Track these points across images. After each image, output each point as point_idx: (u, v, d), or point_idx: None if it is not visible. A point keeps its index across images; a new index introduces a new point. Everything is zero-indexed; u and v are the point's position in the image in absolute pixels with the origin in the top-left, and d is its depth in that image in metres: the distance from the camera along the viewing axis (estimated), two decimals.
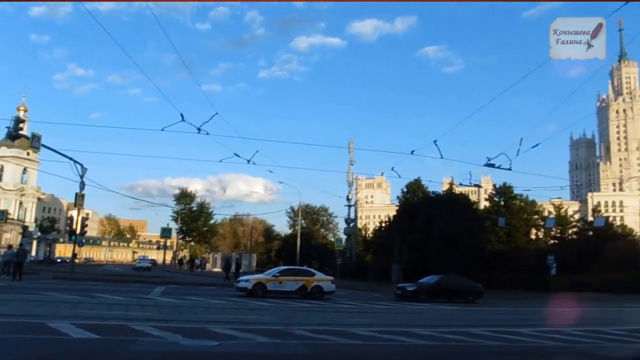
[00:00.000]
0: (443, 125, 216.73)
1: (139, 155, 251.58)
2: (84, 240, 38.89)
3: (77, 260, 47.35)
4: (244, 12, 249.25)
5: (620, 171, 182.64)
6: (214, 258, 74.03)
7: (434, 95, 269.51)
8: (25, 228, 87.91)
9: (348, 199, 61.88)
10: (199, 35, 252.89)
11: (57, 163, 68.05)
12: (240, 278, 26.25)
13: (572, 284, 36.95)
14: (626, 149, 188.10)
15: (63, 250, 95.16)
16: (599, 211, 69.77)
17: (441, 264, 35.95)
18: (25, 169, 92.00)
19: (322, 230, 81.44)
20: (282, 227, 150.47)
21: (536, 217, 52.45)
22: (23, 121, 25.29)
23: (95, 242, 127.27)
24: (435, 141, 20.97)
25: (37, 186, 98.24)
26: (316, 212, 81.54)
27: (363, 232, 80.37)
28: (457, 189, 53.55)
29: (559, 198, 58.32)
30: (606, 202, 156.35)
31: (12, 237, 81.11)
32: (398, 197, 58.94)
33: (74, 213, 34.48)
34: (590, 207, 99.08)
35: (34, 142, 25.05)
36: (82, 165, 28.89)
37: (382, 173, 69.11)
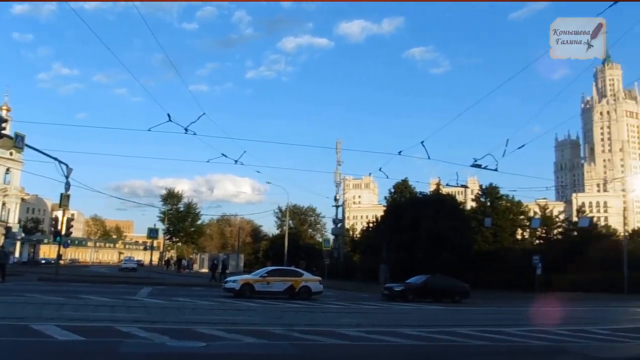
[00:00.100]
0: (430, 125, 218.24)
1: (125, 155, 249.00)
2: (69, 241, 38.39)
3: (62, 262, 46.80)
4: (232, 12, 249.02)
5: (604, 172, 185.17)
6: (201, 259, 73.64)
7: (421, 96, 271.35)
8: (8, 229, 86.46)
9: (336, 200, 61.98)
10: (186, 35, 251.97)
11: (42, 163, 67.08)
12: (228, 279, 26.19)
13: (557, 283, 37.36)
14: (610, 150, 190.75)
15: (48, 251, 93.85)
16: (584, 211, 70.65)
17: (428, 264, 36.17)
18: (8, 169, 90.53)
19: (309, 230, 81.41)
20: (269, 227, 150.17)
21: (522, 217, 52.93)
22: (6, 120, 24.90)
23: (80, 243, 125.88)
24: (422, 142, 21.09)
25: (21, 187, 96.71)
26: (304, 212, 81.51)
27: (351, 233, 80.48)
28: (444, 190, 53.90)
29: (545, 198, 59.01)
30: (590, 203, 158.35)
31: None
32: (385, 198, 59.18)
33: (58, 214, 34.06)
34: (575, 207, 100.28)
35: (18, 142, 24.68)
36: (67, 166, 28.58)
37: (370, 173, 69.39)
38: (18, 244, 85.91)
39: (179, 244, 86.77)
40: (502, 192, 51.10)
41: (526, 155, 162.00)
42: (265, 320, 14.81)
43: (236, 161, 23.99)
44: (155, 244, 55.83)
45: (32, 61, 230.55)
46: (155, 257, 74.28)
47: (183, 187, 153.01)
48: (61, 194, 29.61)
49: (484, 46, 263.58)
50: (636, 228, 78.57)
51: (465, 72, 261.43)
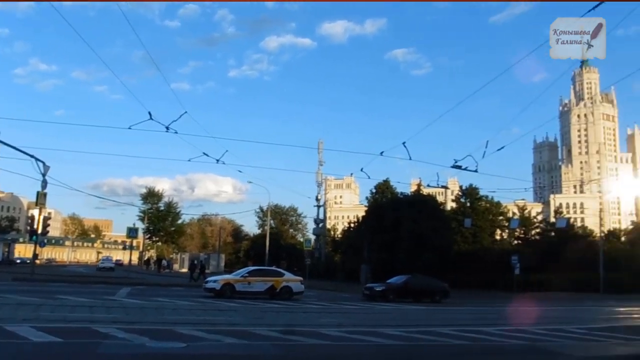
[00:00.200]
0: (412, 126, 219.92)
1: (105, 153, 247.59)
2: (45, 241, 37.75)
3: (38, 261, 45.96)
4: (214, 10, 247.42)
5: (581, 174, 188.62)
6: (181, 258, 72.95)
7: (403, 97, 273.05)
8: None
9: (317, 200, 62.04)
10: (168, 32, 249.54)
11: (18, 161, 65.75)
12: (209, 279, 25.99)
13: (535, 283, 37.91)
14: (587, 153, 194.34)
15: (23, 250, 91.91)
16: (561, 212, 71.86)
17: (409, 264, 36.40)
18: None
19: (291, 230, 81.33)
20: (251, 227, 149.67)
21: (501, 218, 53.57)
22: None
23: (57, 242, 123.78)
24: (404, 143, 21.13)
25: None
26: (285, 212, 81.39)
27: (332, 233, 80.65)
28: (425, 190, 54.23)
29: (523, 199, 59.60)
30: (568, 204, 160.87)
31: None
32: (367, 198, 59.39)
33: (35, 212, 33.44)
34: (552, 208, 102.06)
35: None
36: (44, 163, 28.06)
37: (351, 174, 69.53)
38: None
39: (159, 243, 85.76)
40: (482, 193, 51.74)
41: (505, 157, 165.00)
42: (246, 320, 14.75)
43: (218, 160, 23.77)
44: (134, 244, 55.12)
45: (8, 56, 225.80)
46: (135, 256, 73.52)
47: (163, 186, 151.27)
48: (37, 192, 29.07)
49: (465, 48, 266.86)
50: (612, 229, 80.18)
51: (447, 74, 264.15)
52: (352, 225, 60.20)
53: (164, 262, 64.53)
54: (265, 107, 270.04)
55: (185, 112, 19.01)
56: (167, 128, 18.82)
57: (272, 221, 67.57)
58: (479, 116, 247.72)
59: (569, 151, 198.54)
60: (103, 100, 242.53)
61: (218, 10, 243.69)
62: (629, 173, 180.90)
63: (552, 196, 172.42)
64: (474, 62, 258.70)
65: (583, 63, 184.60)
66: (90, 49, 23.60)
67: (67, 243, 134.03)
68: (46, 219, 32.33)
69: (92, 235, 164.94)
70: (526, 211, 56.65)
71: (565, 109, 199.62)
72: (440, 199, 66.80)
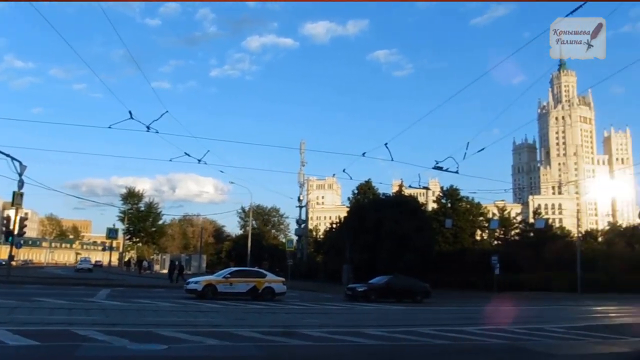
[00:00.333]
0: (394, 128, 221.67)
1: (84, 153, 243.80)
2: (22, 242, 36.96)
3: (14, 263, 45.06)
4: (196, 9, 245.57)
5: (559, 175, 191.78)
6: (162, 259, 72.26)
7: (385, 98, 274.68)
8: None
9: (299, 200, 61.97)
10: (149, 31, 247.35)
11: None
12: (190, 280, 25.76)
13: (514, 283, 38.39)
14: (565, 154, 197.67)
15: None
16: (540, 213, 72.77)
17: (391, 264, 36.57)
18: None
19: (273, 231, 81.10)
20: (232, 227, 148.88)
21: (481, 218, 54.14)
22: None
23: (34, 243, 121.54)
24: (386, 144, 21.21)
25: None
26: (267, 212, 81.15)
27: (314, 233, 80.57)
28: (407, 191, 54.55)
29: (503, 200, 60.46)
30: (546, 205, 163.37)
31: None
32: (349, 199, 59.49)
33: (11, 213, 32.78)
34: (531, 209, 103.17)
35: None
36: (20, 163, 27.57)
37: (334, 174, 69.61)
38: None
39: (140, 244, 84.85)
40: (463, 194, 52.22)
41: (486, 158, 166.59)
42: (228, 321, 14.65)
43: (199, 160, 23.57)
44: (114, 245, 54.48)
45: None
46: (115, 257, 72.56)
47: (144, 186, 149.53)
48: (14, 192, 28.54)
49: (446, 50, 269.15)
50: (589, 230, 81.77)
51: (428, 75, 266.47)
52: (334, 225, 60.22)
53: (145, 263, 63.88)
54: (247, 107, 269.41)
55: (167, 111, 18.84)
56: (148, 127, 18.60)
57: (254, 222, 67.33)
58: (459, 118, 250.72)
59: (548, 153, 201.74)
60: (82, 99, 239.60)
61: (199, 9, 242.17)
62: (605, 175, 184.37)
63: (531, 197, 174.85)
64: (455, 64, 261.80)
65: (561, 66, 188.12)
66: (69, 47, 23.29)
67: (44, 244, 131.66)
68: (23, 219, 31.72)
69: (71, 236, 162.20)
70: (506, 212, 57.43)
71: (544, 111, 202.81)
72: (421, 199, 67.36)
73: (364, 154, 24.57)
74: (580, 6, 10.18)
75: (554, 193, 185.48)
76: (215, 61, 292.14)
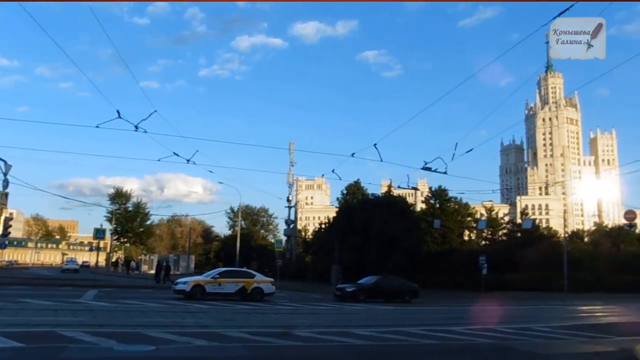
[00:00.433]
0: (383, 128, 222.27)
1: (71, 152, 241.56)
2: (7, 242, 36.49)
3: None
4: (184, 8, 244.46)
5: (546, 176, 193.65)
6: (150, 260, 71.76)
7: (374, 98, 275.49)
8: None
9: (288, 200, 61.79)
10: (137, 30, 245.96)
11: None
12: (178, 280, 25.60)
13: (502, 283, 38.64)
14: (552, 155, 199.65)
15: None
16: (527, 214, 73.58)
17: (379, 264, 36.66)
18: None
19: (262, 231, 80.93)
20: (221, 228, 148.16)
21: (469, 219, 54.48)
22: None
23: (20, 243, 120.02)
24: (375, 144, 21.25)
25: None
26: (256, 213, 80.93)
27: (303, 234, 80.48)
28: (395, 192, 54.71)
29: (490, 201, 60.79)
30: (533, 205, 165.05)
31: None
32: (338, 199, 59.53)
33: None
34: (519, 209, 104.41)
35: None
36: (5, 162, 27.16)
37: (323, 175, 69.51)
38: None
39: (127, 244, 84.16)
40: (451, 194, 52.57)
41: (474, 159, 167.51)
42: (217, 322, 14.58)
43: (188, 160, 23.39)
44: (101, 245, 54.05)
45: None
46: (102, 258, 72.03)
47: (132, 186, 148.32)
48: None
49: (434, 52, 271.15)
50: (575, 230, 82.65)
51: (417, 76, 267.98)
52: (323, 226, 60.23)
53: (133, 264, 63.40)
54: (237, 107, 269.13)
55: (155, 111, 18.66)
56: (136, 127, 18.43)
57: (242, 222, 67.14)
58: (448, 118, 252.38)
59: (535, 154, 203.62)
60: (69, 98, 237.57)
61: (188, 8, 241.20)
62: (591, 175, 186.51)
63: (518, 198, 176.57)
64: (443, 65, 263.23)
65: (548, 68, 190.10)
66: (56, 45, 23.04)
67: (30, 244, 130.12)
68: (8, 219, 31.34)
69: (57, 237, 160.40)
70: (493, 212, 57.82)
71: (531, 112, 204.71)
72: (410, 200, 67.62)
73: (353, 154, 24.58)
74: (567, 9, 10.29)
75: (541, 194, 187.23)
76: (204, 61, 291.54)
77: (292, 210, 63.33)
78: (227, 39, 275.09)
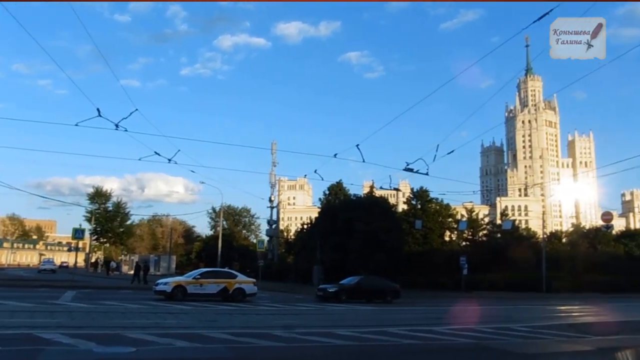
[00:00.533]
0: (365, 129, 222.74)
1: (49, 151, 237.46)
2: None
3: None
4: (166, 6, 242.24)
5: (526, 178, 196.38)
6: (131, 260, 70.98)
7: (356, 99, 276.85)
8: None
9: (270, 201, 61.72)
10: (118, 27, 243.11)
11: None
12: (159, 281, 25.34)
13: (482, 283, 39.09)
14: (531, 157, 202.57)
15: None
16: (507, 215, 74.22)
17: (361, 264, 36.82)
18: None
19: (244, 231, 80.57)
20: (203, 228, 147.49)
21: (450, 219, 54.90)
22: None
23: None
24: (357, 145, 21.36)
25: None
26: (238, 213, 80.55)
27: (285, 234, 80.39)
28: (377, 192, 54.93)
29: (471, 202, 61.50)
30: (513, 207, 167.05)
31: None
32: (320, 199, 59.54)
33: None
34: (498, 210, 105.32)
35: None
36: None
37: (305, 175, 69.49)
38: None
39: (107, 245, 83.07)
40: (432, 195, 52.94)
41: (455, 160, 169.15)
42: (199, 323, 14.49)
43: (169, 160, 23.18)
44: (81, 245, 53.29)
45: None
46: (81, 258, 70.96)
47: (112, 185, 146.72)
48: None
49: (416, 54, 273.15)
50: (554, 231, 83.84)
51: (399, 78, 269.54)
52: (305, 226, 60.22)
53: (113, 264, 62.68)
54: (219, 107, 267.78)
55: (136, 109, 18.45)
56: (117, 126, 18.22)
57: (224, 222, 66.72)
58: (429, 120, 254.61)
59: (514, 156, 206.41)
60: (47, 95, 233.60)
61: (170, 6, 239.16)
62: (569, 177, 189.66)
63: (498, 199, 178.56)
64: (424, 67, 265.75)
65: (527, 71, 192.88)
66: (34, 41, 22.65)
67: (5, 245, 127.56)
68: None
69: (34, 237, 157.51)
70: (474, 213, 58.35)
71: (511, 115, 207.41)
72: (392, 200, 68.02)
73: (335, 155, 24.68)
74: (547, 13, 10.48)
75: (520, 195, 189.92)
76: (186, 59, 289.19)
77: (275, 210, 63.29)
78: (210, 38, 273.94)
